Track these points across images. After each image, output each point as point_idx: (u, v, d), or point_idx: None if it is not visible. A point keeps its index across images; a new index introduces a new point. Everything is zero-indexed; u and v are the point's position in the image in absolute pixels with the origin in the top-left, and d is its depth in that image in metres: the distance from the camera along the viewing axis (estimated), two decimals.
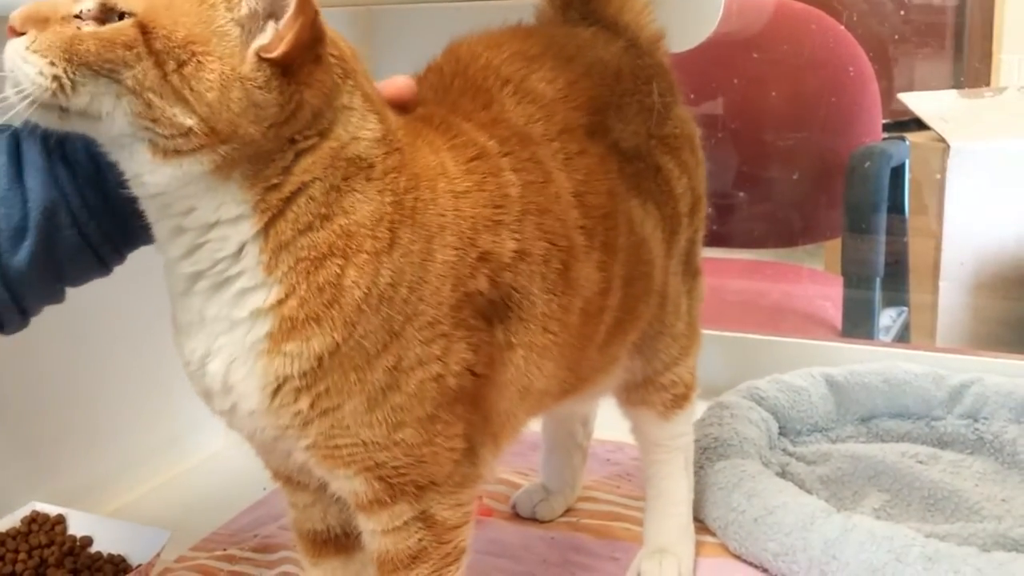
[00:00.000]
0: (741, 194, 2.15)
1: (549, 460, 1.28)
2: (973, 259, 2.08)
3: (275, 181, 0.71)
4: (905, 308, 2.18)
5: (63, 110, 0.68)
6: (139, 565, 1.08)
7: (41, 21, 0.68)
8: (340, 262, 0.72)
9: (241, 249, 0.72)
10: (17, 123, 0.70)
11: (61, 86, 0.67)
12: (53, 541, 1.13)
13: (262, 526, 1.27)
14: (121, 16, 0.67)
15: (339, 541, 0.92)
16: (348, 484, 0.80)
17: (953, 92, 2.60)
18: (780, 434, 1.40)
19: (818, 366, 1.50)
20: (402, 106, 0.83)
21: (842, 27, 2.18)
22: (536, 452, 1.30)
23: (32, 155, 0.80)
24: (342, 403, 0.74)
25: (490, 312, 0.80)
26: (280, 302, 0.72)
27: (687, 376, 1.09)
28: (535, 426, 1.11)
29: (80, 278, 0.85)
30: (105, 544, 1.13)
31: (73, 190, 0.81)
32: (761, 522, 1.12)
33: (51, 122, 0.70)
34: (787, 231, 2.25)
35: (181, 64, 0.67)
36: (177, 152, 0.68)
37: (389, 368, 0.74)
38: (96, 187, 0.81)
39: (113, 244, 0.84)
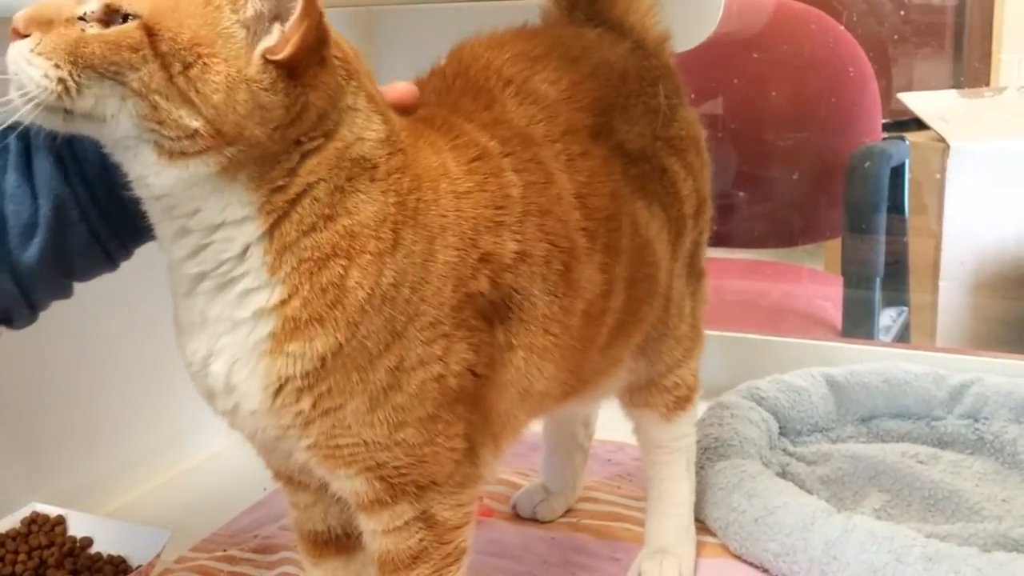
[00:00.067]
0: (741, 194, 2.15)
1: (550, 461, 1.28)
2: (973, 259, 2.07)
3: (281, 183, 0.71)
4: (905, 308, 2.18)
5: (68, 112, 0.68)
6: (139, 566, 1.08)
7: (45, 23, 0.67)
8: (344, 263, 0.72)
9: (246, 250, 0.72)
10: (23, 125, 0.69)
11: (66, 89, 0.66)
12: (53, 542, 1.13)
13: (262, 527, 1.27)
14: (125, 18, 0.67)
15: (340, 541, 0.92)
16: (349, 484, 0.80)
17: (953, 92, 2.60)
18: (780, 434, 1.40)
19: (818, 366, 1.50)
20: (404, 110, 0.83)
21: (842, 27, 2.18)
22: (536, 452, 1.30)
23: (41, 152, 0.81)
24: (344, 403, 0.74)
25: (491, 313, 0.80)
26: (283, 302, 0.72)
27: (690, 378, 1.09)
28: (536, 427, 1.11)
29: (88, 273, 0.86)
30: (105, 545, 1.13)
31: (82, 186, 0.81)
32: (762, 522, 1.12)
33: (56, 124, 0.70)
34: (787, 231, 2.25)
35: (187, 66, 0.67)
36: (183, 154, 0.68)
37: (391, 368, 0.75)
38: (105, 183, 0.81)
39: (120, 240, 0.85)
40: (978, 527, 1.15)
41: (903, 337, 2.14)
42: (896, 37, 2.74)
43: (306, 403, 0.74)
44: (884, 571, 1.02)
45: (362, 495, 0.80)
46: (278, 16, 0.69)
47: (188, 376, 0.79)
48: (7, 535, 1.13)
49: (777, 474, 1.26)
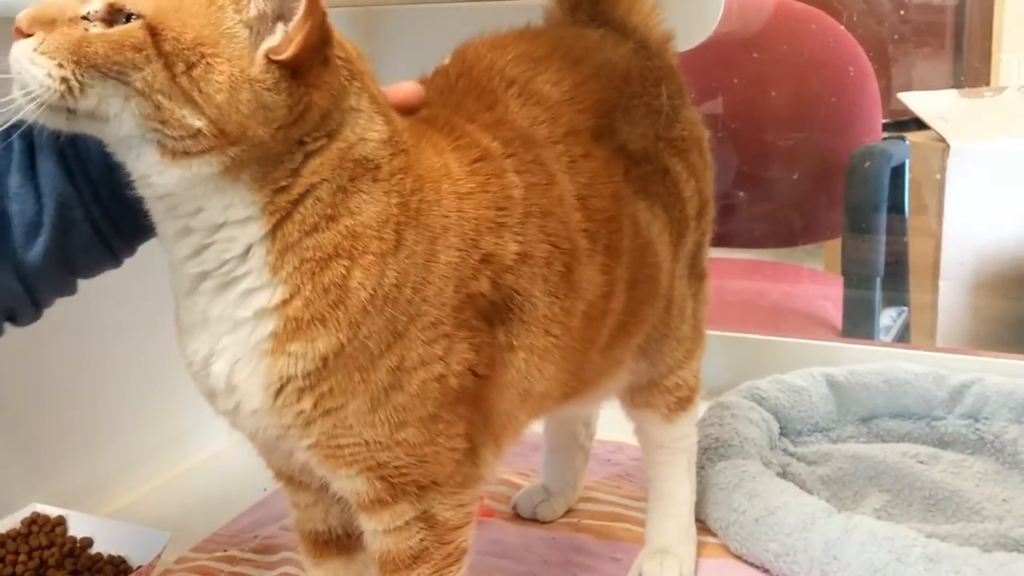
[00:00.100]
0: (741, 194, 2.14)
1: (551, 461, 1.28)
2: (973, 259, 2.07)
3: (284, 183, 0.72)
4: (905, 308, 2.18)
5: (71, 112, 0.68)
6: (139, 566, 1.08)
7: (48, 23, 0.67)
8: (346, 263, 0.72)
9: (248, 250, 0.73)
10: (25, 124, 0.69)
11: (69, 88, 0.66)
12: (53, 542, 1.13)
13: (263, 527, 1.27)
14: (129, 18, 0.67)
15: (341, 541, 0.92)
16: (350, 484, 0.80)
17: (953, 92, 2.59)
18: (781, 434, 1.40)
19: (819, 366, 1.50)
20: (408, 109, 0.83)
21: (842, 27, 2.18)
22: (537, 453, 1.30)
23: (44, 151, 0.81)
24: (345, 403, 0.75)
25: (491, 313, 0.80)
26: (285, 302, 0.72)
27: (691, 379, 1.09)
28: (537, 427, 1.11)
29: (92, 270, 0.86)
30: (105, 545, 1.13)
31: (86, 185, 0.81)
32: (762, 522, 1.12)
33: (59, 124, 0.70)
34: (787, 231, 2.25)
35: (190, 66, 0.67)
36: (186, 153, 0.68)
37: (392, 368, 0.75)
38: (108, 182, 0.81)
39: (124, 237, 0.85)
40: (979, 527, 1.15)
41: (903, 337, 2.14)
42: (896, 37, 2.74)
43: (307, 403, 0.74)
44: (885, 571, 1.02)
45: (363, 495, 0.80)
46: (281, 16, 0.69)
47: (189, 376, 0.79)
48: (7, 535, 1.13)
49: (778, 474, 1.26)
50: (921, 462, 1.34)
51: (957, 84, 2.89)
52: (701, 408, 1.16)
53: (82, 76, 0.66)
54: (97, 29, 0.67)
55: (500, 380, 0.82)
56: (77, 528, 1.16)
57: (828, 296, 2.09)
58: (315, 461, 0.79)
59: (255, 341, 0.73)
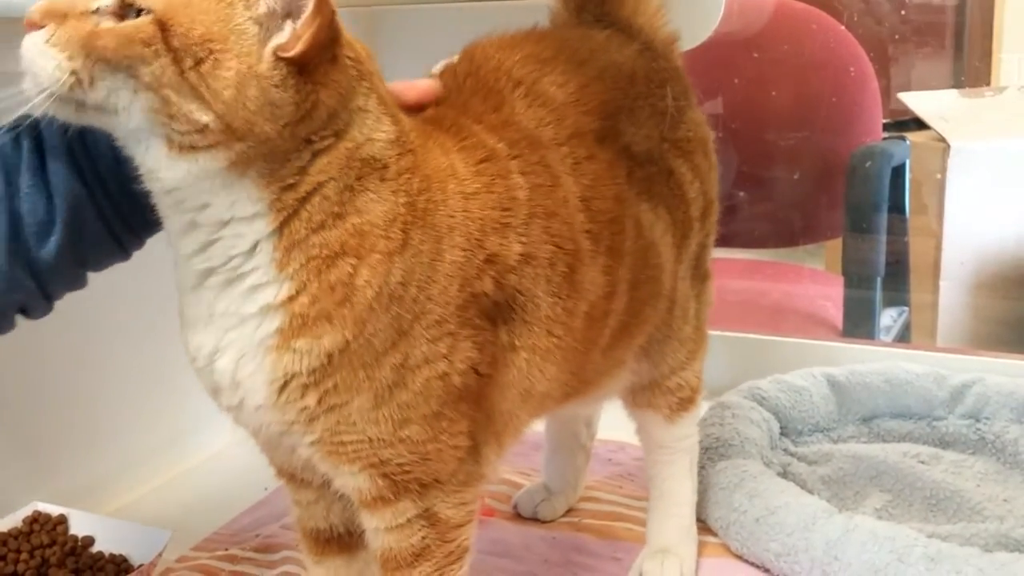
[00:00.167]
0: (742, 194, 2.14)
1: (552, 460, 1.28)
2: (974, 259, 2.08)
3: (291, 181, 0.72)
4: (906, 308, 2.18)
5: (80, 104, 0.69)
6: (141, 565, 1.08)
7: (60, 16, 0.68)
8: (353, 261, 0.73)
9: (255, 246, 0.73)
10: (35, 116, 0.70)
11: (79, 80, 0.67)
12: (55, 541, 1.13)
13: (263, 526, 1.27)
14: (139, 12, 0.68)
15: (342, 540, 0.92)
16: (352, 481, 0.80)
17: (953, 92, 2.60)
18: (781, 434, 1.40)
19: (819, 366, 1.50)
20: (424, 107, 0.83)
21: (842, 27, 2.18)
22: (538, 452, 1.30)
23: (54, 150, 0.81)
24: (349, 400, 0.75)
25: (494, 313, 0.80)
26: (291, 299, 0.73)
27: (693, 380, 1.10)
28: (538, 426, 1.11)
29: (102, 264, 0.87)
30: (107, 544, 1.13)
31: (96, 183, 0.82)
32: (763, 522, 1.12)
33: (68, 116, 0.70)
34: (788, 231, 2.25)
35: (198, 61, 0.67)
36: (193, 148, 0.69)
37: (396, 366, 0.75)
38: (118, 178, 0.81)
39: (134, 231, 0.86)
40: (980, 527, 1.15)
41: (904, 337, 2.14)
42: (897, 37, 2.74)
43: (311, 399, 0.74)
44: (886, 571, 1.02)
45: (365, 492, 0.80)
46: (290, 13, 0.69)
47: (192, 371, 0.79)
48: (9, 534, 1.13)
49: (778, 474, 1.26)
50: (922, 462, 1.34)
51: (957, 84, 2.89)
52: (702, 408, 1.16)
53: (92, 69, 0.67)
54: (108, 23, 0.67)
55: (502, 379, 0.83)
56: (78, 527, 1.16)
57: (829, 296, 2.09)
58: (318, 457, 0.79)
59: (260, 337, 0.73)
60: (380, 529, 0.82)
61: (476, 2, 1.51)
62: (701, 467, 1.22)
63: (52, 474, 1.27)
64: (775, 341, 1.71)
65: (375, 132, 0.74)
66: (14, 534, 1.13)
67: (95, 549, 1.13)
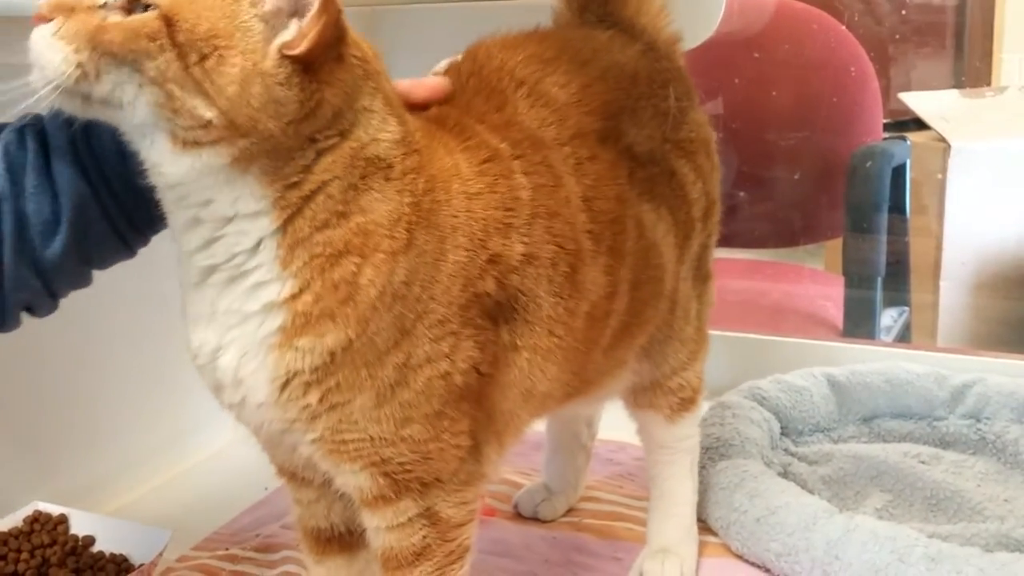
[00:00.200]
0: (742, 194, 2.14)
1: (553, 460, 1.28)
2: (974, 259, 2.08)
3: (295, 179, 0.72)
4: (906, 308, 2.18)
5: (86, 97, 0.69)
6: (141, 565, 1.08)
7: (68, 9, 0.68)
8: (357, 260, 0.73)
9: (258, 244, 0.73)
10: (40, 108, 0.70)
11: (85, 73, 0.67)
12: (55, 541, 1.13)
13: (264, 526, 1.27)
14: (146, 8, 0.68)
15: (343, 539, 0.92)
16: (353, 479, 0.80)
17: (954, 92, 2.60)
18: (782, 434, 1.40)
19: (819, 366, 1.50)
20: (424, 105, 0.83)
21: (843, 27, 2.18)
22: (538, 452, 1.30)
23: (59, 150, 0.82)
24: (352, 398, 0.75)
25: (496, 313, 0.80)
26: (294, 297, 0.73)
27: (695, 380, 1.10)
28: (539, 426, 1.11)
29: (106, 262, 0.88)
30: (107, 544, 1.13)
31: (101, 183, 0.82)
32: (763, 522, 1.12)
33: (74, 109, 0.70)
34: (788, 231, 2.25)
35: (203, 57, 0.67)
36: (196, 143, 0.69)
37: (399, 365, 0.75)
38: (123, 178, 0.82)
39: (139, 230, 0.86)
40: (980, 527, 1.15)
41: (904, 337, 2.14)
42: (897, 37, 2.74)
43: (313, 397, 0.74)
44: (886, 571, 1.02)
45: (366, 491, 0.80)
46: (296, 11, 0.69)
47: (192, 370, 0.79)
48: (10, 534, 1.13)
49: (779, 474, 1.26)
50: (923, 462, 1.34)
51: (958, 84, 2.89)
52: (703, 408, 1.16)
53: (98, 62, 0.67)
54: (115, 17, 0.68)
55: (503, 379, 0.83)
56: (79, 526, 1.16)
57: (829, 296, 2.09)
58: (319, 456, 0.79)
59: (263, 335, 0.74)
60: (381, 528, 0.82)
61: (477, 2, 1.51)
62: (702, 467, 1.22)
63: (53, 474, 1.27)
64: (775, 341, 1.71)
65: (380, 132, 0.74)
66: (15, 534, 1.13)
67: (96, 549, 1.13)
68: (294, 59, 0.69)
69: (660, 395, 1.08)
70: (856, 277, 2.03)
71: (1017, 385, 1.41)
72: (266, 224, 0.72)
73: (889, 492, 1.28)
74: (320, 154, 0.72)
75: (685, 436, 1.12)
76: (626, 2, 1.03)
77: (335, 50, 0.71)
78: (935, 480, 1.27)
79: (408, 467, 0.79)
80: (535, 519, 1.26)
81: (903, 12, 2.79)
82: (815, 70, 2.16)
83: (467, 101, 0.88)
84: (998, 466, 1.34)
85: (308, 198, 0.72)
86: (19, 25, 0.71)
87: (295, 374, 0.74)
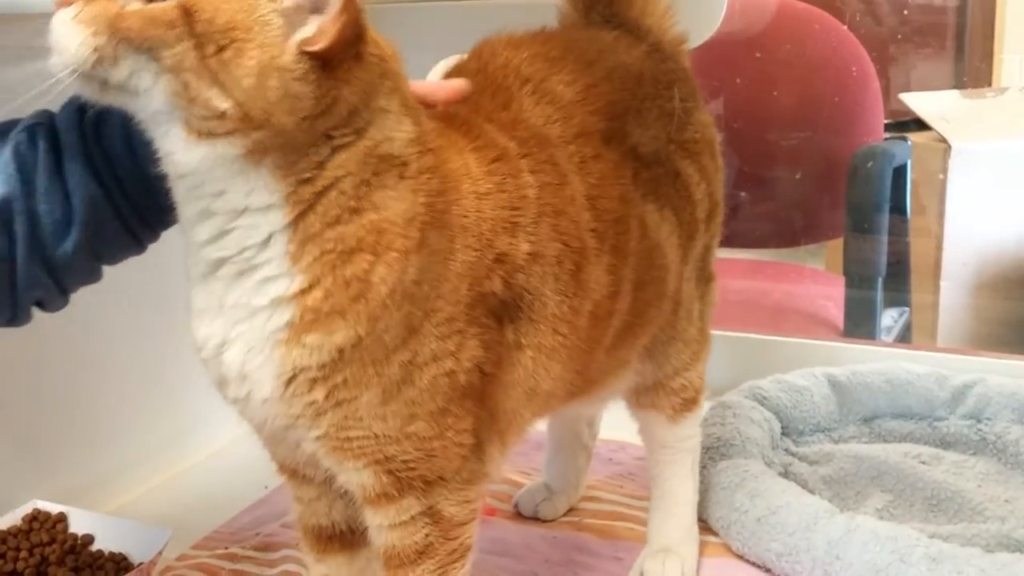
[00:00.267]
0: (743, 194, 2.14)
1: (554, 460, 1.28)
2: (975, 259, 2.08)
3: (309, 175, 0.72)
4: (907, 308, 2.18)
5: (103, 83, 0.69)
6: (140, 563, 1.08)
7: None
8: (369, 258, 0.73)
9: (269, 238, 0.73)
10: (58, 92, 0.70)
11: (102, 58, 0.67)
12: (54, 539, 1.12)
13: (264, 524, 1.27)
14: None
15: (344, 537, 0.92)
16: (356, 477, 0.80)
17: (955, 92, 2.60)
18: (783, 434, 1.40)
19: (820, 366, 1.49)
20: (441, 106, 0.83)
21: (844, 27, 2.18)
22: (539, 451, 1.30)
23: (71, 150, 0.82)
24: (358, 395, 0.75)
25: (501, 312, 0.81)
26: (303, 292, 0.73)
27: (697, 380, 1.10)
28: (540, 426, 1.11)
29: (117, 258, 0.89)
30: (106, 542, 1.13)
31: (113, 182, 0.83)
32: (764, 522, 1.12)
33: (91, 94, 0.70)
34: (789, 231, 2.25)
35: (220, 49, 0.67)
36: (211, 134, 0.69)
37: (405, 362, 0.75)
38: (134, 176, 0.83)
39: (150, 227, 0.87)
40: (981, 528, 1.15)
41: (904, 337, 2.14)
42: (899, 37, 2.74)
43: (319, 393, 0.74)
44: (887, 571, 1.02)
45: (369, 488, 0.80)
46: (317, 8, 0.69)
47: (192, 369, 0.79)
48: (8, 532, 1.13)
49: (779, 474, 1.26)
50: (923, 462, 1.34)
51: (959, 85, 2.89)
52: (704, 408, 1.16)
53: (116, 47, 0.67)
54: (135, 5, 0.68)
55: (507, 378, 0.83)
56: (78, 525, 1.16)
57: (830, 296, 2.09)
58: (322, 453, 0.79)
59: (270, 330, 0.73)
60: (383, 526, 0.81)
61: (478, 0, 1.51)
62: (702, 467, 1.22)
63: (52, 472, 1.27)
64: (776, 341, 1.71)
65: (395, 131, 0.74)
66: (14, 532, 1.13)
67: (95, 547, 1.13)
68: (313, 55, 0.69)
69: (663, 395, 1.08)
70: (857, 277, 2.03)
71: (1018, 386, 1.41)
72: (278, 218, 0.72)
73: (890, 492, 1.28)
74: (335, 151, 0.72)
75: (687, 436, 1.12)
76: (631, 3, 1.03)
77: (354, 48, 0.71)
78: (936, 480, 1.27)
79: (412, 465, 0.79)
80: (536, 519, 1.26)
81: (904, 12, 2.79)
82: (816, 70, 2.16)
83: (474, 99, 0.88)
84: (999, 467, 1.34)
85: (320, 194, 0.72)
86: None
87: (301, 370, 0.74)
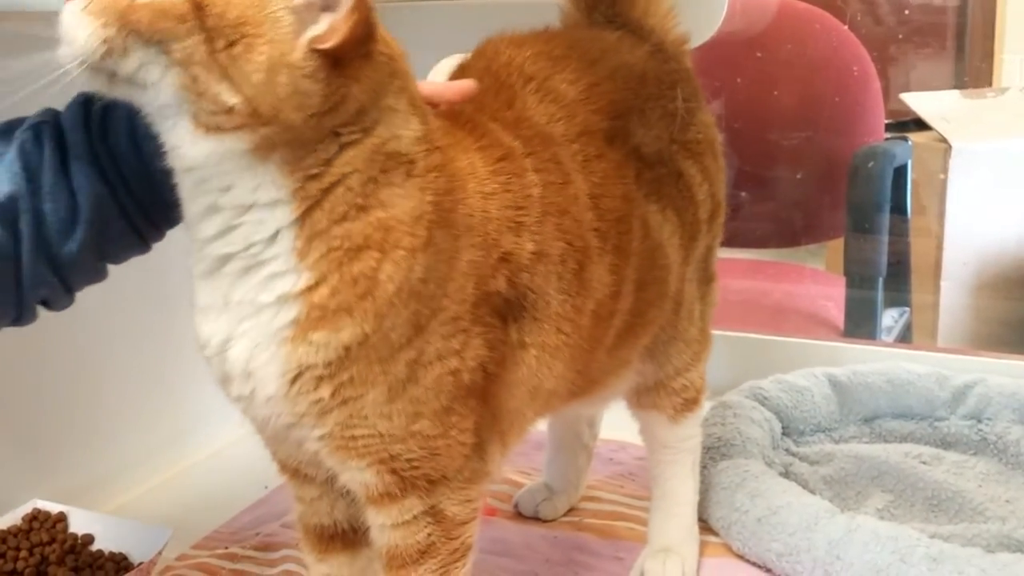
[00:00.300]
0: (744, 194, 2.14)
1: (554, 460, 1.28)
2: (975, 259, 2.08)
3: (316, 171, 0.72)
4: (907, 308, 2.18)
5: (112, 75, 0.69)
6: (140, 563, 1.08)
7: None
8: (377, 255, 0.72)
9: (276, 234, 0.73)
10: (66, 84, 0.69)
11: (111, 50, 0.67)
12: (54, 539, 1.12)
13: (264, 524, 1.27)
14: None
15: (346, 536, 0.92)
16: (360, 476, 0.80)
17: (955, 92, 2.60)
18: (783, 434, 1.40)
19: (821, 366, 1.49)
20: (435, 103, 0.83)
21: (845, 27, 2.18)
22: (539, 451, 1.30)
23: (76, 148, 0.82)
24: (364, 393, 0.75)
25: (505, 311, 0.81)
26: (310, 289, 0.72)
27: (698, 380, 1.10)
28: (541, 426, 1.11)
29: (122, 257, 0.89)
30: (106, 542, 1.13)
31: (119, 181, 0.83)
32: (765, 522, 1.12)
33: (100, 87, 0.70)
34: (790, 231, 2.25)
35: (231, 43, 0.67)
36: (218, 128, 0.69)
37: (410, 361, 0.75)
38: (140, 175, 0.83)
39: (156, 225, 0.87)
40: (982, 528, 1.15)
41: (905, 337, 2.14)
42: (900, 37, 2.74)
43: (325, 391, 0.74)
44: (888, 571, 1.02)
45: (372, 488, 0.80)
46: (328, 7, 0.69)
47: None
48: (8, 532, 1.13)
49: (780, 474, 1.26)
50: (924, 462, 1.34)
51: (959, 85, 2.89)
52: (704, 408, 1.16)
53: (125, 39, 0.67)
54: None
55: (510, 378, 0.83)
56: (78, 525, 1.16)
57: (830, 296, 2.09)
58: (326, 452, 0.79)
59: (276, 327, 0.73)
60: (386, 526, 0.81)
61: (480, 0, 1.51)
62: (703, 467, 1.22)
63: (52, 472, 1.27)
64: (777, 341, 1.71)
65: (403, 130, 0.74)
66: (14, 532, 1.13)
67: (95, 547, 1.13)
68: (323, 53, 0.69)
69: (664, 396, 1.08)
70: (857, 277, 2.03)
71: (1018, 386, 1.41)
72: (284, 214, 0.72)
73: (890, 492, 1.28)
74: (342, 148, 0.72)
75: (688, 436, 1.12)
76: (634, 3, 1.03)
77: (364, 47, 0.71)
78: (936, 480, 1.27)
79: (416, 464, 0.78)
80: (536, 518, 1.26)
81: (905, 12, 2.79)
82: (817, 70, 2.16)
83: (478, 98, 0.88)
84: (999, 467, 1.34)
85: (328, 190, 0.72)
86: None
87: (307, 368, 0.73)
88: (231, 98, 0.67)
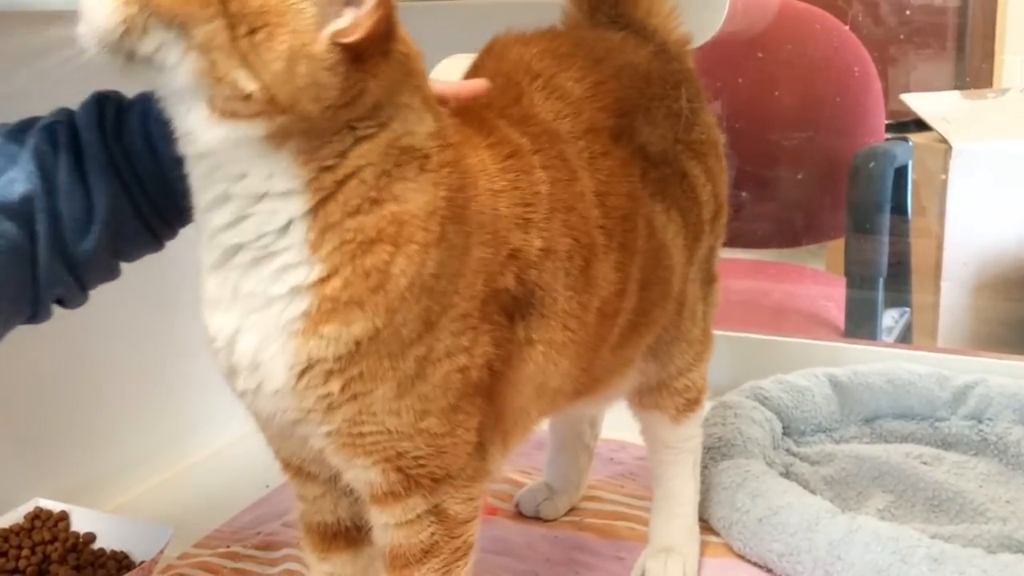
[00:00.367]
0: (744, 194, 2.14)
1: (555, 459, 1.28)
2: (975, 260, 2.08)
3: (330, 163, 0.72)
4: (907, 309, 2.18)
5: (130, 55, 0.68)
6: (142, 562, 1.08)
7: None
8: (390, 249, 0.72)
9: (288, 225, 0.72)
10: (84, 62, 0.69)
11: (131, 28, 0.67)
12: (56, 537, 1.13)
13: (265, 523, 1.27)
14: None
15: (349, 534, 0.91)
16: (364, 474, 0.79)
17: (956, 93, 2.60)
18: (784, 434, 1.40)
19: (821, 366, 1.49)
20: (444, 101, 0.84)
21: (846, 28, 2.18)
22: (540, 451, 1.30)
23: (91, 148, 0.82)
24: (374, 389, 0.74)
25: (512, 308, 0.81)
26: (322, 281, 0.72)
27: (700, 381, 1.10)
28: (542, 425, 1.11)
29: (135, 255, 0.89)
30: (108, 541, 1.13)
31: (134, 180, 0.84)
32: (765, 522, 1.12)
33: (116, 65, 0.70)
34: (790, 231, 2.25)
35: (253, 31, 0.67)
36: (234, 114, 0.69)
37: (420, 357, 0.75)
38: (155, 175, 0.83)
39: (169, 224, 0.87)
40: (982, 528, 1.15)
41: (905, 338, 2.14)
42: (900, 38, 2.74)
43: (335, 386, 0.74)
44: (888, 572, 1.02)
45: (376, 486, 0.80)
46: (351, 2, 0.69)
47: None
48: (10, 530, 1.13)
49: (781, 474, 1.26)
50: (924, 463, 1.34)
51: (960, 85, 2.89)
52: (705, 408, 1.16)
53: (146, 19, 0.67)
54: None
55: (517, 375, 0.83)
56: (80, 523, 1.16)
57: (831, 296, 2.09)
58: (331, 449, 0.78)
59: (286, 320, 0.73)
60: (389, 525, 0.81)
61: (482, 0, 1.51)
62: (704, 467, 1.22)
63: (54, 471, 1.27)
64: (777, 341, 1.71)
65: (416, 126, 0.75)
66: (15, 530, 1.13)
67: (96, 546, 1.13)
68: (344, 47, 0.69)
69: (666, 396, 1.08)
70: (858, 277, 2.03)
71: (1019, 386, 1.41)
72: (298, 205, 0.72)
73: (891, 493, 1.28)
74: (357, 141, 0.72)
75: (689, 436, 1.12)
76: (637, 3, 1.04)
77: (384, 44, 0.71)
78: (937, 481, 1.27)
79: (422, 462, 0.78)
80: (537, 518, 1.26)
81: (905, 13, 2.79)
82: (818, 71, 2.17)
83: (486, 95, 0.88)
84: (1000, 467, 1.34)
85: (342, 182, 0.72)
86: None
87: (317, 361, 0.73)
88: (249, 85, 0.67)
